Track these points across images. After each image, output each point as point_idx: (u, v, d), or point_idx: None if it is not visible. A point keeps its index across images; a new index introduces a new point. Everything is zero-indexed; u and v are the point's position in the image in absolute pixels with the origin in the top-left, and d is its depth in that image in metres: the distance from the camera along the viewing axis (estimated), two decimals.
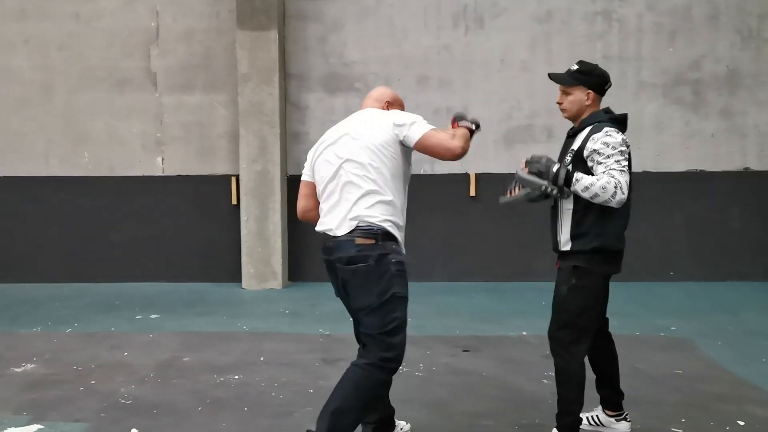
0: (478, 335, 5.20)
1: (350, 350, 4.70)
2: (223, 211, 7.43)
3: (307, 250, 7.43)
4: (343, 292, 2.90)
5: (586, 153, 2.94)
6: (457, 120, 3.08)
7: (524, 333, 5.24)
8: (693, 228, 7.34)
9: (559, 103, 3.14)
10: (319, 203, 2.99)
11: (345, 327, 5.25)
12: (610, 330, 3.37)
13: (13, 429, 3.38)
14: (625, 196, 2.85)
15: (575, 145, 3.04)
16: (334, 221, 2.82)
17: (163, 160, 7.44)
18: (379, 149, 2.81)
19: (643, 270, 7.24)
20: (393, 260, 2.77)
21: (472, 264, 7.40)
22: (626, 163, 2.91)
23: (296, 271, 7.52)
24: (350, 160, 2.82)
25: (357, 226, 2.76)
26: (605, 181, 2.82)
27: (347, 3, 7.36)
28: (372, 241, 2.74)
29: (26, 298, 6.71)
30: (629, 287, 6.97)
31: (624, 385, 3.38)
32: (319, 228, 2.92)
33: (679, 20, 7.24)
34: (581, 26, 7.29)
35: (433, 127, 2.88)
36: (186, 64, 7.36)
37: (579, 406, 3.05)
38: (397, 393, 3.64)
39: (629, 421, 3.32)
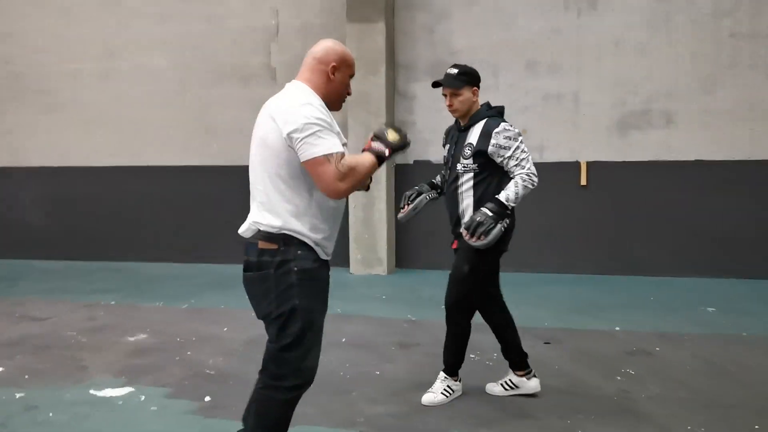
0: (567, 328, 5.07)
1: (428, 336, 4.84)
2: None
3: (414, 237, 7.58)
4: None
5: (491, 149, 3.37)
6: (374, 139, 2.58)
7: (617, 328, 5.04)
8: None
9: (449, 105, 3.48)
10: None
11: (432, 314, 5.39)
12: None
13: (109, 389, 3.85)
14: (536, 177, 3.35)
15: (472, 139, 3.44)
16: (245, 222, 2.56)
17: None
18: (273, 148, 2.45)
19: None
20: (295, 268, 2.45)
21: (580, 255, 7.16)
22: (524, 146, 3.40)
23: (404, 257, 7.69)
24: (254, 155, 2.55)
25: (258, 230, 2.49)
26: (521, 179, 3.31)
27: None
28: (274, 246, 2.46)
29: (154, 276, 7.44)
30: (759, 284, 6.46)
31: (707, 386, 3.41)
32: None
33: None
34: (706, 3, 6.75)
35: (332, 149, 2.36)
36: (302, 59, 7.71)
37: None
38: (463, 378, 3.72)
39: (537, 378, 3.72)
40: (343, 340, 4.84)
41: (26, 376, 4.08)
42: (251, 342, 4.73)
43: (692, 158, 6.85)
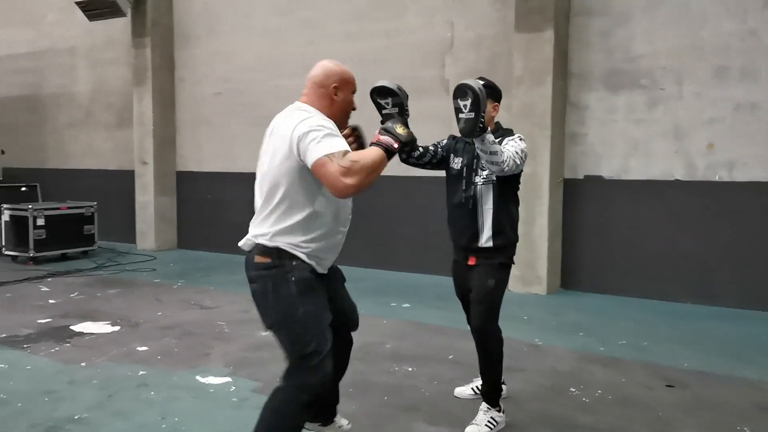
0: (704, 371, 4.44)
1: (541, 363, 4.57)
2: None
3: (582, 257, 7.15)
4: None
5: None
6: (381, 132, 2.58)
7: None
8: None
9: None
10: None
11: (561, 341, 5.07)
12: None
13: (211, 377, 4.28)
14: (521, 162, 3.30)
15: None
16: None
17: None
18: (273, 163, 2.58)
19: None
20: (293, 278, 2.57)
21: None
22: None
23: (571, 278, 7.28)
24: (258, 171, 2.71)
25: (255, 244, 2.64)
26: (513, 147, 3.29)
27: None
28: (267, 259, 2.58)
29: None
30: None
31: None
32: None
33: None
34: None
35: (333, 149, 2.39)
36: (473, 70, 7.70)
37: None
38: (545, 412, 3.52)
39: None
40: (451, 356, 4.78)
41: (159, 357, 4.69)
42: (361, 347, 4.85)
43: None
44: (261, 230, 2.61)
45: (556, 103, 6.96)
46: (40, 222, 8.69)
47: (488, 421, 3.43)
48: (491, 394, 3.49)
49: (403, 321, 5.74)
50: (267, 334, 5.24)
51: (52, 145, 11.98)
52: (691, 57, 6.52)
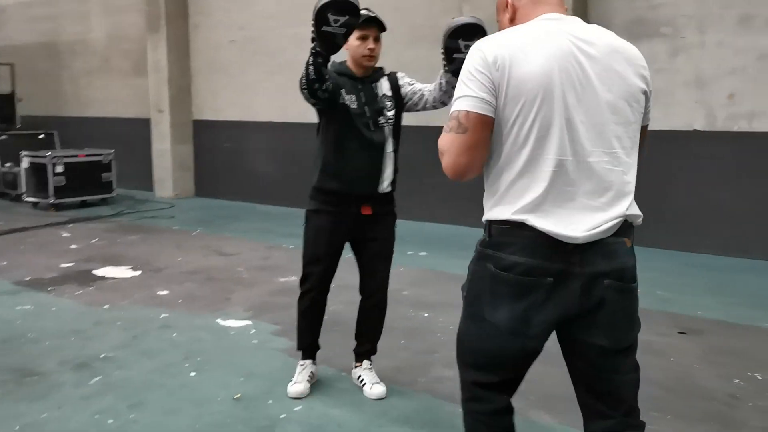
0: (720, 320, 4.48)
1: None
2: None
3: None
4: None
5: (405, 90, 3.21)
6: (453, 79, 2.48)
7: None
8: None
9: (371, 50, 3.10)
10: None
11: None
12: None
13: (232, 320, 4.39)
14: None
15: (385, 91, 3.18)
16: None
17: None
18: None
19: None
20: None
21: None
22: None
23: None
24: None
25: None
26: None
27: None
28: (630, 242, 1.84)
29: None
30: None
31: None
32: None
33: None
34: None
35: (457, 107, 1.79)
36: (492, 18, 7.57)
37: None
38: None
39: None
40: None
41: (180, 301, 4.81)
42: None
43: None
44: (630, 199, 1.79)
45: None
46: (59, 169, 8.79)
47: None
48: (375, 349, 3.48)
49: (420, 269, 5.81)
50: (286, 280, 5.41)
51: (69, 93, 12.01)
52: (715, 4, 6.37)
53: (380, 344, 3.95)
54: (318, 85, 2.90)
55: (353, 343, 3.50)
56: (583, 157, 1.72)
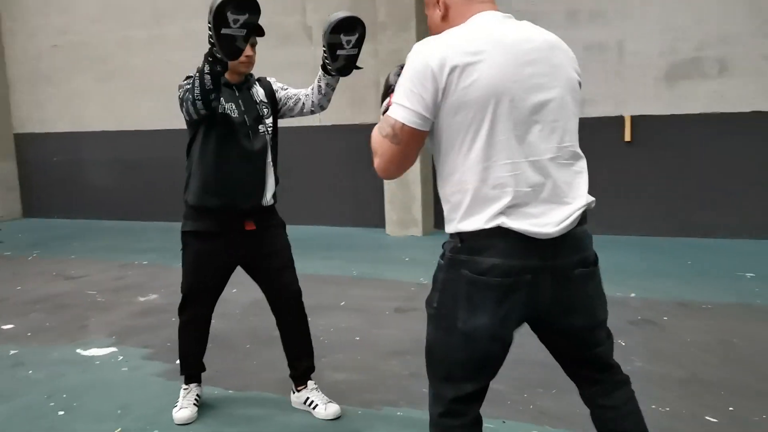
0: None
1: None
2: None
3: None
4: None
5: (280, 94, 3.05)
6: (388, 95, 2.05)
7: (632, 295, 4.72)
8: None
9: (249, 57, 2.86)
10: None
11: None
12: None
13: (94, 349, 4.01)
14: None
15: (261, 97, 2.98)
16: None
17: None
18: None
19: None
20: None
21: (624, 216, 6.71)
22: None
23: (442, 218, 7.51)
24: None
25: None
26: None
27: None
28: None
29: None
30: None
31: (697, 360, 3.37)
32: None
33: None
34: None
35: (395, 115, 1.74)
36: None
37: None
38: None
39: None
40: (342, 303, 4.81)
41: (29, 334, 4.33)
42: (253, 303, 4.78)
43: (749, 109, 6.22)
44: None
45: None
46: None
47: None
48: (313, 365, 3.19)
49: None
50: (147, 299, 5.06)
51: None
52: (545, 3, 6.82)
53: (263, 357, 3.81)
54: (214, 95, 2.66)
55: (253, 363, 3.31)
56: (539, 156, 1.73)
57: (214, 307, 3.12)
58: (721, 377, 3.26)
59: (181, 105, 2.75)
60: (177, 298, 4.87)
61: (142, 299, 5.08)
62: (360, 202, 7.80)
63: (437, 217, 7.51)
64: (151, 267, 6.16)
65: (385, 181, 7.27)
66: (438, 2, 1.86)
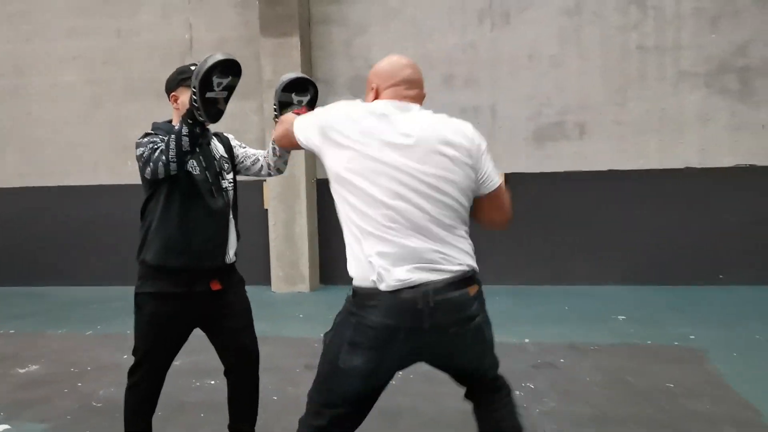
0: None
1: None
2: (255, 215, 7.59)
3: (338, 251, 7.48)
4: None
5: (237, 151, 3.06)
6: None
7: (526, 340, 5.03)
8: (744, 227, 6.77)
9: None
10: None
11: None
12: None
13: None
14: None
15: (221, 152, 2.95)
16: None
17: None
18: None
19: (690, 273, 6.80)
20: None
21: (501, 267, 7.16)
22: None
23: (329, 274, 7.57)
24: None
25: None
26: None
27: (371, 5, 7.35)
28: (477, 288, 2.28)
29: (70, 301, 7.16)
30: (671, 291, 6.60)
31: (603, 398, 3.56)
32: None
33: (721, 3, 6.70)
34: (614, 16, 6.89)
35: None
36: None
37: None
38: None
39: None
40: None
41: None
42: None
43: (605, 168, 6.96)
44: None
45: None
46: None
47: None
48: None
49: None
50: (27, 371, 4.62)
51: None
52: (422, 65, 7.20)
53: (178, 424, 3.64)
54: (189, 157, 2.59)
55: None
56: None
57: (165, 374, 2.93)
58: (628, 413, 3.56)
59: (146, 164, 2.63)
60: (62, 367, 4.64)
61: (22, 371, 4.65)
62: (247, 260, 7.65)
63: (324, 273, 7.56)
64: (22, 335, 5.66)
65: (271, 239, 7.23)
66: (372, 89, 2.31)
